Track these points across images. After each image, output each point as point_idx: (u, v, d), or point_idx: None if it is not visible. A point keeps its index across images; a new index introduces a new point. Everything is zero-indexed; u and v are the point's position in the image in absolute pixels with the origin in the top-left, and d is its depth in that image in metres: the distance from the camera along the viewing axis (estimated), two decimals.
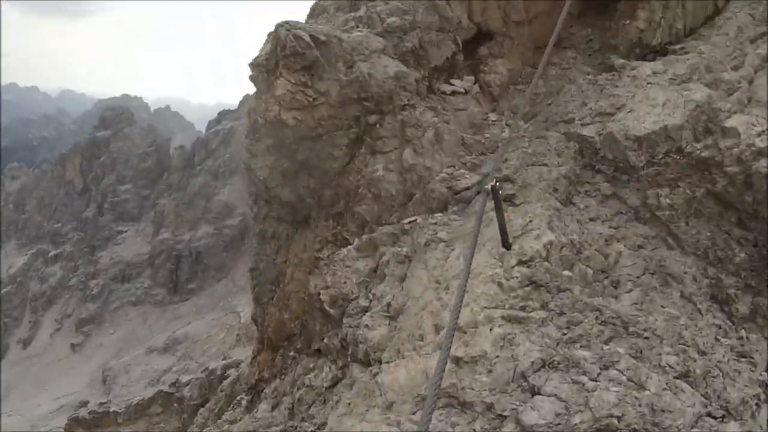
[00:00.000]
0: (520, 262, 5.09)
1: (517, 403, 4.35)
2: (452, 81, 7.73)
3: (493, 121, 7.28)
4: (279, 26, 7.03)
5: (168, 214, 57.91)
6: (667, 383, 4.45)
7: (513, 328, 4.79)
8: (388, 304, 5.93)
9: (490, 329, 4.83)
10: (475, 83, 7.82)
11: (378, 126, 7.14)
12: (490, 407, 4.42)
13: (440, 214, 6.40)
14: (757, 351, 5.10)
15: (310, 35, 6.81)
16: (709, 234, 5.40)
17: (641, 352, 4.65)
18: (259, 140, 8.06)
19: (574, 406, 4.22)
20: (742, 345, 5.03)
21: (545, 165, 6.23)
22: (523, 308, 4.90)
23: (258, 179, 7.92)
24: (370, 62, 7.07)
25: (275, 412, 8.32)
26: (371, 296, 6.24)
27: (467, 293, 5.16)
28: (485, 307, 4.97)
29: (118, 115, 72.53)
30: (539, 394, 4.36)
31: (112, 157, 66.13)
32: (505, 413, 4.34)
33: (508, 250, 5.26)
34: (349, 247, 6.75)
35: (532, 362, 4.53)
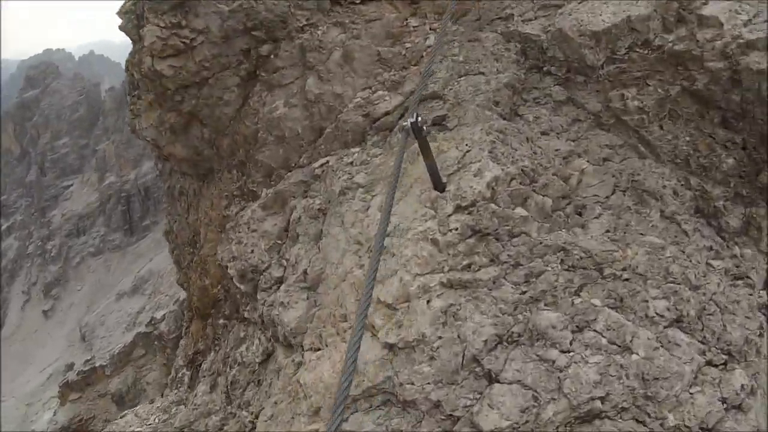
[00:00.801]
0: (459, 208, 3.90)
1: (471, 397, 3.30)
2: None
3: (414, 27, 5.83)
4: None
5: (109, 158, 56.02)
6: (658, 338, 3.46)
7: (457, 296, 3.67)
8: (305, 272, 4.74)
9: (428, 303, 3.70)
10: None
11: (273, 57, 5.66)
12: (437, 405, 3.37)
13: (357, 149, 5.10)
14: (753, 268, 4.16)
15: None
16: (688, 138, 4.29)
17: (622, 300, 3.62)
18: (139, 97, 6.58)
19: (544, 394, 3.20)
20: (738, 266, 4.08)
21: (482, 74, 4.92)
22: (467, 268, 3.76)
23: (147, 140, 6.45)
24: None
25: (213, 394, 7.27)
26: (285, 263, 5.03)
27: (394, 257, 3.99)
28: (418, 274, 3.81)
29: (42, 72, 68.40)
30: (498, 382, 3.32)
31: (44, 115, 62.33)
32: (456, 413, 3.29)
33: (441, 192, 4.05)
34: (254, 205, 5.43)
35: (485, 341, 3.46)
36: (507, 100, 4.71)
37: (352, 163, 4.96)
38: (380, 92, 5.26)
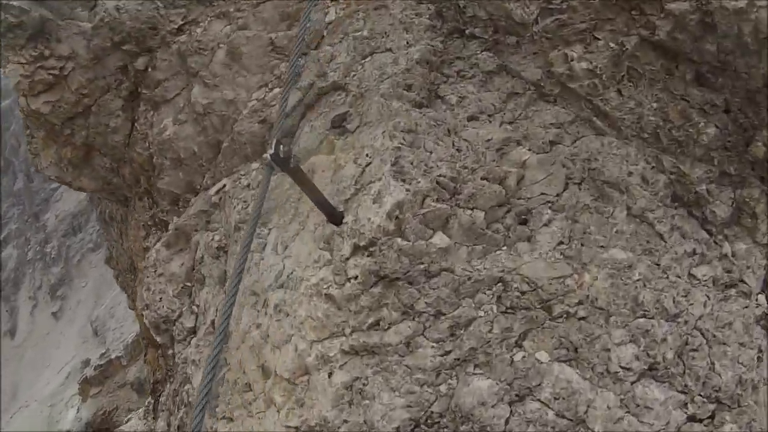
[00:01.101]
0: (357, 249, 3.02)
1: None
2: None
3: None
4: None
5: None
6: (622, 401, 2.61)
7: (363, 367, 2.85)
8: (212, 323, 3.97)
9: (329, 376, 2.89)
10: None
11: (150, 69, 4.70)
12: None
13: (257, 165, 4.19)
14: (749, 268, 3.22)
15: None
16: (655, 105, 3.27)
17: (577, 350, 2.76)
18: (32, 136, 5.75)
19: None
20: (729, 270, 3.16)
21: (389, 51, 3.89)
22: (374, 327, 2.92)
23: (52, 179, 5.65)
24: None
25: None
26: (196, 309, 4.25)
27: (288, 318, 3.16)
28: (315, 341, 2.99)
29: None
30: None
31: (21, 123, 61.47)
32: None
33: (338, 226, 3.16)
34: (158, 245, 4.60)
35: (397, 428, 2.65)
36: (422, 81, 3.70)
37: (248, 185, 4.06)
38: (277, 89, 4.28)
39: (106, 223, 7.14)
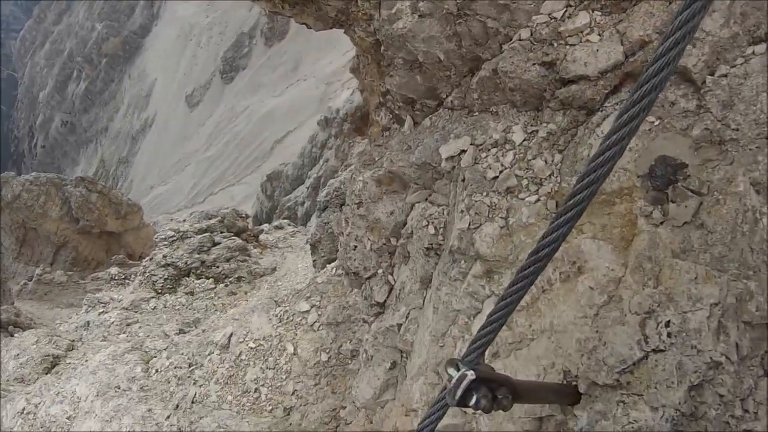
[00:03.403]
0: None
1: None
2: None
3: None
4: None
5: None
6: None
7: None
8: (399, 327, 3.25)
9: None
10: None
11: None
12: None
13: (523, 122, 2.70)
14: None
15: None
16: None
17: None
18: None
19: None
20: None
21: None
22: None
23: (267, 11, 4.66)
24: None
25: None
26: (392, 281, 3.59)
27: None
28: None
29: None
30: None
31: None
32: None
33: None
34: (367, 175, 3.64)
35: None
36: None
37: (500, 156, 2.62)
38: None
39: None
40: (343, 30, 3.76)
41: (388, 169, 3.53)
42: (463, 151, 2.98)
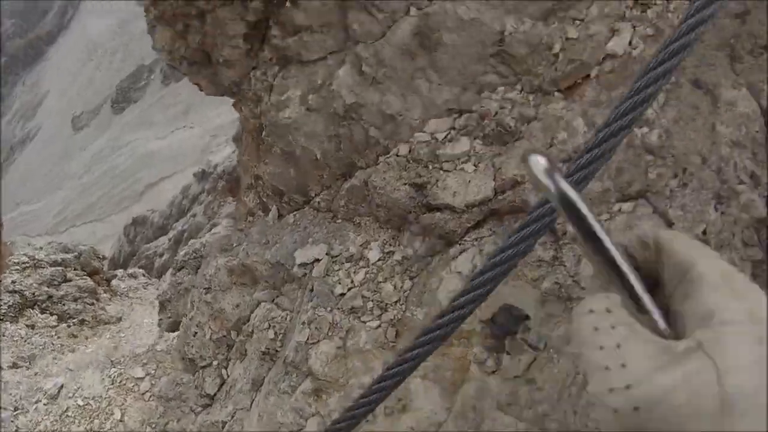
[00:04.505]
0: None
1: None
2: None
3: None
4: None
5: None
6: None
7: None
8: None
9: None
10: None
11: (290, 2, 2.91)
12: None
13: (388, 237, 2.57)
14: None
15: None
16: None
17: None
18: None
19: None
20: None
21: None
22: None
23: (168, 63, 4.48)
24: None
25: None
26: (225, 376, 3.17)
27: None
28: None
29: None
30: None
31: None
32: None
33: None
34: (221, 261, 3.38)
35: None
36: None
37: (352, 273, 2.49)
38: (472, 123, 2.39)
39: None
40: (232, 101, 3.62)
41: (242, 261, 3.30)
42: (318, 260, 2.84)
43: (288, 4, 2.72)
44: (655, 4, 2.91)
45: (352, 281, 2.74)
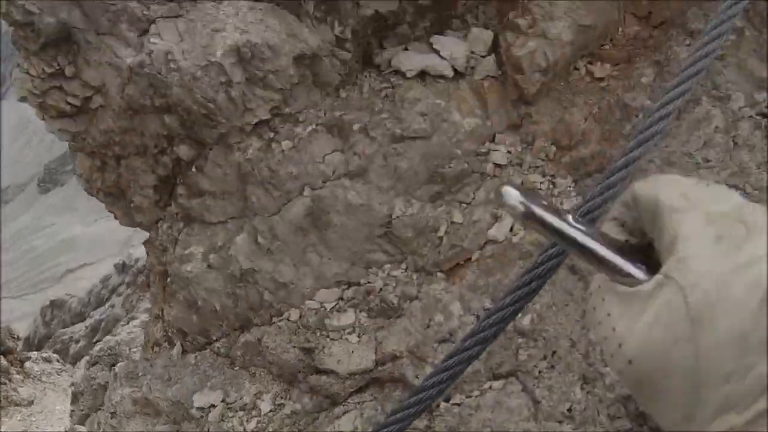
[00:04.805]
0: None
1: None
2: None
3: None
4: None
5: None
6: None
7: None
8: None
9: None
10: None
11: (197, 169, 3.23)
12: None
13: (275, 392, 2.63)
14: None
15: None
16: None
17: None
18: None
19: None
20: None
21: None
22: None
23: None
24: None
25: None
26: None
27: None
28: None
29: None
30: None
31: None
32: None
33: None
34: (124, 391, 3.32)
35: None
36: None
37: (245, 421, 2.60)
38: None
39: None
40: (143, 240, 3.75)
41: (146, 396, 3.33)
42: (213, 406, 2.94)
43: (194, 169, 2.92)
44: (540, 189, 3.23)
45: (244, 429, 2.87)
